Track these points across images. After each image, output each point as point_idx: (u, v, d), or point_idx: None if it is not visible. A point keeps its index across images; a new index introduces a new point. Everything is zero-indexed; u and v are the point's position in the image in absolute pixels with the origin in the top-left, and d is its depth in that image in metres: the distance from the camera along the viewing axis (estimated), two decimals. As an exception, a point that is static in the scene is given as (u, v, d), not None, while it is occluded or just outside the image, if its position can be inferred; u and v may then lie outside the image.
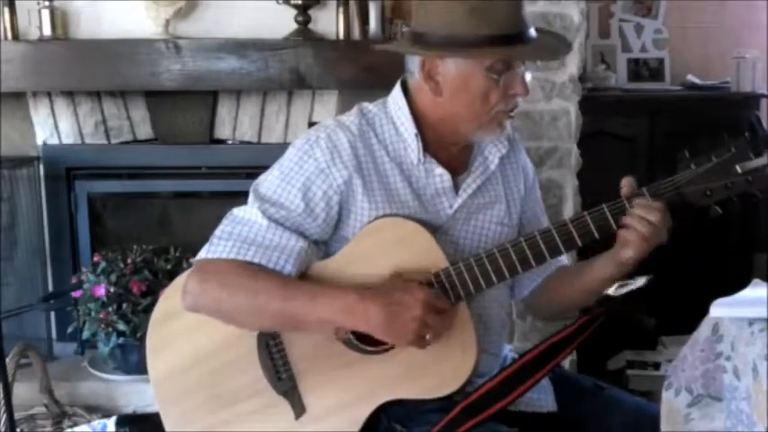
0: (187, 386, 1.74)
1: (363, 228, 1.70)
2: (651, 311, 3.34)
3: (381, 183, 1.71)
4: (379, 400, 1.68)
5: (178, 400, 1.75)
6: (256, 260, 1.65)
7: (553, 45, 1.77)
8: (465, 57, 1.64)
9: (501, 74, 1.65)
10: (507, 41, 1.63)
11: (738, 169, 1.60)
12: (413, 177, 1.73)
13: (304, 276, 1.70)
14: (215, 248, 1.67)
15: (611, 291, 1.67)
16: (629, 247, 1.63)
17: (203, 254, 1.69)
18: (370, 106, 1.79)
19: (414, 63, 1.71)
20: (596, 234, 1.65)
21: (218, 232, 1.69)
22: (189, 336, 1.74)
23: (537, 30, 1.71)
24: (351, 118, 1.75)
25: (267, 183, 1.71)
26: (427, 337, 1.62)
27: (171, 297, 1.76)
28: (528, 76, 1.69)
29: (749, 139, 1.60)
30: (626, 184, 1.65)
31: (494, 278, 1.67)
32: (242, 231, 1.67)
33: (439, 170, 1.74)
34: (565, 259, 1.88)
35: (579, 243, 1.66)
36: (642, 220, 1.61)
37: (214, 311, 1.68)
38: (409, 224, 1.69)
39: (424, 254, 1.68)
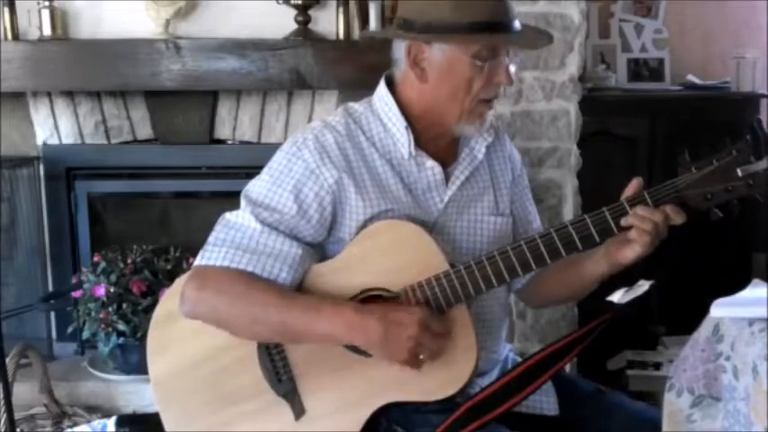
0: (188, 387, 1.74)
1: (362, 230, 1.69)
2: (659, 318, 3.35)
3: (373, 180, 1.71)
4: (379, 403, 1.68)
5: (179, 400, 1.75)
6: (250, 269, 1.64)
7: (536, 35, 1.78)
8: (451, 42, 1.66)
9: (486, 60, 1.66)
10: (493, 29, 1.65)
11: (739, 173, 1.60)
12: (404, 173, 1.74)
13: (304, 280, 1.69)
14: (209, 255, 1.67)
15: (616, 298, 1.67)
16: (634, 245, 1.62)
17: (197, 260, 1.69)
18: (355, 105, 1.79)
19: (400, 50, 1.72)
20: (597, 237, 1.65)
21: (211, 239, 1.69)
22: (190, 337, 1.73)
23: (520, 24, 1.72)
24: (337, 118, 1.76)
25: (258, 187, 1.71)
26: (421, 356, 1.62)
27: (172, 298, 1.75)
28: (512, 68, 1.71)
29: (750, 142, 1.60)
30: (633, 185, 1.65)
31: (494, 281, 1.66)
32: (235, 237, 1.66)
33: (430, 162, 1.74)
34: None
35: (580, 247, 1.65)
36: (646, 220, 1.61)
37: (212, 319, 1.68)
38: (408, 226, 1.69)
39: (424, 256, 1.67)
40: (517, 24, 1.70)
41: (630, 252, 1.64)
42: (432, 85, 1.70)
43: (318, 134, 1.71)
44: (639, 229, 1.61)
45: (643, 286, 1.64)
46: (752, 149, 1.60)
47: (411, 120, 1.74)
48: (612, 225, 1.64)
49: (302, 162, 1.69)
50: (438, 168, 1.75)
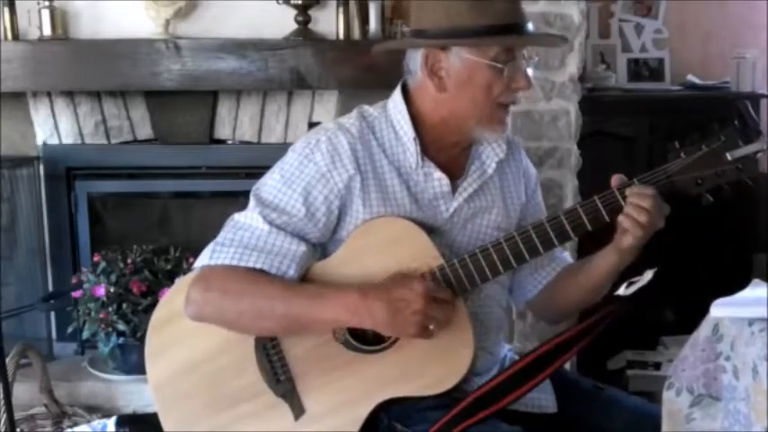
0: (187, 390, 1.74)
1: (358, 227, 1.70)
2: (670, 304, 3.33)
3: (378, 186, 1.71)
4: (377, 399, 1.68)
5: (178, 403, 1.76)
6: (258, 266, 1.65)
7: (551, 36, 1.82)
8: (470, 45, 1.66)
9: (505, 63, 1.66)
10: (508, 31, 1.65)
11: (728, 157, 1.61)
12: (411, 182, 1.74)
13: (303, 279, 1.70)
14: (217, 255, 1.67)
15: (621, 291, 1.67)
16: (627, 235, 1.63)
17: (205, 260, 1.69)
18: (370, 109, 1.79)
19: (415, 61, 1.72)
20: (589, 226, 1.66)
21: (219, 239, 1.69)
22: (187, 340, 1.74)
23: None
24: (351, 120, 1.75)
25: (268, 187, 1.71)
26: (431, 327, 1.62)
27: (169, 302, 1.76)
28: (530, 71, 1.71)
29: (739, 126, 1.61)
30: (616, 178, 1.67)
31: (488, 273, 1.67)
32: (243, 237, 1.67)
33: (437, 174, 1.74)
34: (568, 257, 1.88)
35: (573, 235, 1.67)
36: (637, 207, 1.61)
37: (218, 320, 1.69)
38: (402, 222, 1.70)
39: (419, 251, 1.68)
40: (531, 26, 1.70)
41: (626, 240, 1.64)
42: (451, 94, 1.70)
43: (332, 136, 1.71)
44: (631, 216, 1.61)
45: (646, 275, 1.64)
46: (740, 134, 1.61)
47: (423, 129, 1.73)
48: (604, 212, 1.64)
49: (313, 165, 1.69)
50: (445, 180, 1.74)
